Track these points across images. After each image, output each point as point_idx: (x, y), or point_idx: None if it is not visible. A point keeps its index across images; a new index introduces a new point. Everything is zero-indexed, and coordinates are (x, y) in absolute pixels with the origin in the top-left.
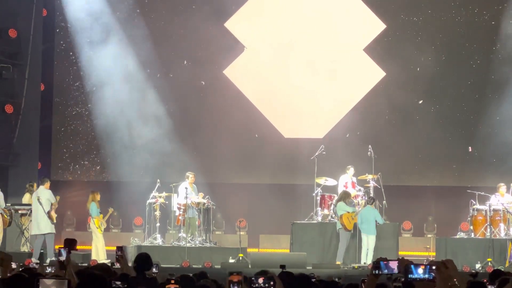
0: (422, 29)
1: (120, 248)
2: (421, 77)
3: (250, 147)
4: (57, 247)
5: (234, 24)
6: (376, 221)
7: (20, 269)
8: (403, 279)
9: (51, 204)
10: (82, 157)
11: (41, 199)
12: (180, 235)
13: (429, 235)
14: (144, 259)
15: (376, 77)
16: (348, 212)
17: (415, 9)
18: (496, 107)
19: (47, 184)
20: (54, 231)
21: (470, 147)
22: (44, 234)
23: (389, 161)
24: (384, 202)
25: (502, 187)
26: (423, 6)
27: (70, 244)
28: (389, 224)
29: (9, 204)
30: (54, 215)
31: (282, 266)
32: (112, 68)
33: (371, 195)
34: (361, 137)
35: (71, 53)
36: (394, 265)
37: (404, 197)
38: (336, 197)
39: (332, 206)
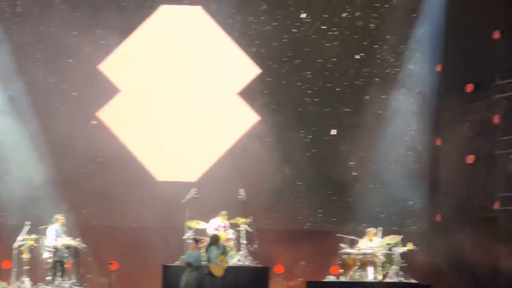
0: (298, 74)
1: None
2: (294, 120)
3: (122, 190)
4: None
5: (108, 67)
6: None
7: None
8: None
9: None
10: None
11: None
12: (47, 278)
13: (300, 279)
14: None
15: (250, 121)
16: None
17: (290, 54)
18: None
19: None
20: None
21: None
22: None
23: (263, 204)
24: (256, 245)
25: (371, 231)
26: (298, 52)
27: None
28: (260, 267)
29: None
30: None
31: None
32: None
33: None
34: (235, 180)
35: None
36: None
37: (276, 240)
38: (207, 240)
39: (204, 249)
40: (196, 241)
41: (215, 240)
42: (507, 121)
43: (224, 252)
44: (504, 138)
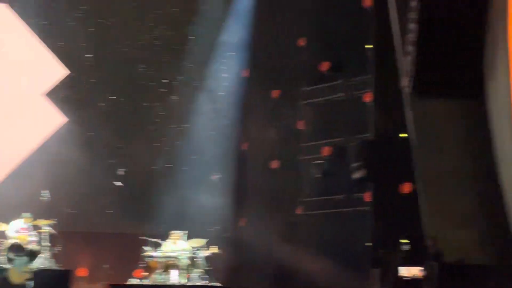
0: (105, 75)
1: None
2: (102, 120)
3: None
4: None
5: None
6: None
7: None
8: None
9: None
10: None
11: None
12: None
13: (103, 282)
14: None
15: (57, 122)
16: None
17: (99, 53)
18: None
19: None
20: None
21: None
22: None
23: (68, 206)
24: (59, 248)
25: (176, 234)
26: (106, 51)
27: None
28: (62, 271)
29: None
30: None
31: None
32: None
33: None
34: (40, 182)
35: None
36: None
37: (81, 243)
38: (8, 243)
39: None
40: None
41: (31, 253)
42: (311, 127)
43: (30, 261)
44: (308, 144)
